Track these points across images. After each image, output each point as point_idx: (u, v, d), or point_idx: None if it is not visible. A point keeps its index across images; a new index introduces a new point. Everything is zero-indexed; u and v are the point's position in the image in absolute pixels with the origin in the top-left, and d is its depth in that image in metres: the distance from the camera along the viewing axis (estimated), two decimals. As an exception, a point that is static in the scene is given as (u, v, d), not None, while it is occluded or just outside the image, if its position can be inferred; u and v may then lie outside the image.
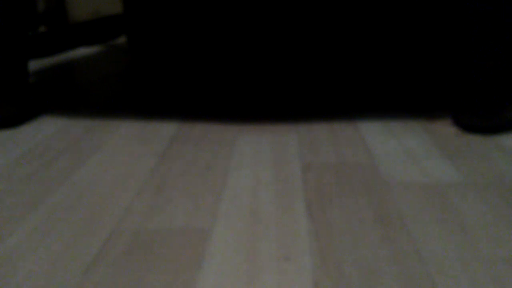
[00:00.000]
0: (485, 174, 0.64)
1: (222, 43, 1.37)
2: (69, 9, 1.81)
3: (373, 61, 1.32)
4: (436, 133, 0.80)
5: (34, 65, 1.46)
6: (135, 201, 0.57)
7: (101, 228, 0.52)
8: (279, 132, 0.82)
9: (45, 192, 0.60)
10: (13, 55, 0.86)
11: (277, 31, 1.28)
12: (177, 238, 0.50)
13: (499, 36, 0.74)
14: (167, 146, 0.75)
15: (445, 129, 0.82)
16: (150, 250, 0.48)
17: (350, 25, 1.24)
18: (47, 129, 0.84)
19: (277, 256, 0.47)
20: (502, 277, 0.44)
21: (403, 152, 0.72)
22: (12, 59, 0.86)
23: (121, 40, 2.02)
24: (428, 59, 1.25)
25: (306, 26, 1.26)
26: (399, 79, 1.21)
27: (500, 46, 0.74)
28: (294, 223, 0.52)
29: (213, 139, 0.79)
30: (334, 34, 1.27)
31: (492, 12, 0.74)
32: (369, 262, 0.46)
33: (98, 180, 0.63)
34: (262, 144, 0.75)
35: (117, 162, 0.69)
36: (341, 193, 0.59)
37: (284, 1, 1.23)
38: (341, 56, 1.31)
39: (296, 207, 0.55)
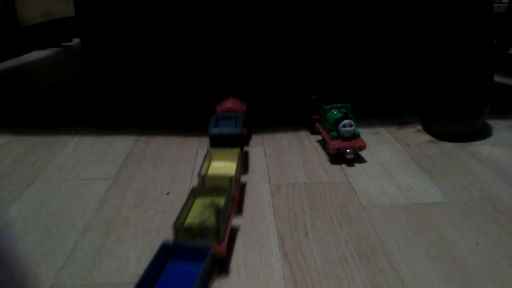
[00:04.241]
0: (468, 190, 0.58)
1: (178, 43, 1.29)
2: (19, 12, 1.69)
3: (339, 67, 1.27)
4: (408, 141, 0.75)
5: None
6: (79, 244, 0.49)
7: (39, 281, 0.43)
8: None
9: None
10: None
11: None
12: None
13: (475, 41, 0.69)
14: (120, 167, 0.67)
15: (417, 136, 0.77)
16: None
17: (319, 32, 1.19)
18: (-18, 151, 0.74)
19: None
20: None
21: (378, 166, 0.66)
22: None
23: (77, 42, 1.90)
24: (394, 65, 1.20)
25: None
26: (366, 86, 1.16)
27: (475, 51, 0.69)
28: (267, 266, 0.45)
29: (171, 156, 0.70)
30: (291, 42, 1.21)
31: (466, 18, 0.69)
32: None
33: (35, 217, 0.54)
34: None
35: (61, 191, 0.60)
36: (317, 222, 0.52)
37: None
38: (303, 63, 1.25)
39: (267, 244, 0.48)
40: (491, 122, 0.82)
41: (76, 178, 0.64)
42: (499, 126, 0.80)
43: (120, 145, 0.75)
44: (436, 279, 0.42)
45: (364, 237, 0.49)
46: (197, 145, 0.74)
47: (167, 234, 0.50)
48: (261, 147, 0.73)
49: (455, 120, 0.72)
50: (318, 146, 0.73)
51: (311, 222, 0.52)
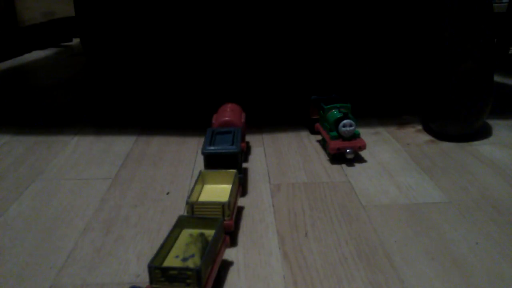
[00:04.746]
0: (468, 190, 0.58)
1: (178, 43, 1.29)
2: (19, 12, 1.69)
3: (338, 65, 1.27)
4: (408, 141, 0.75)
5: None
6: (79, 243, 0.49)
7: (36, 285, 0.43)
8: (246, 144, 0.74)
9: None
10: None
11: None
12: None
13: (475, 41, 0.69)
14: (120, 167, 0.67)
15: (417, 136, 0.77)
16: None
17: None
18: (-18, 151, 0.74)
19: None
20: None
21: (378, 166, 0.66)
22: None
23: (77, 42, 1.90)
24: (394, 65, 1.20)
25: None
26: (366, 86, 1.16)
27: (476, 50, 0.69)
28: (267, 266, 0.45)
29: (171, 156, 0.70)
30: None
31: (466, 18, 0.68)
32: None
33: (35, 217, 0.54)
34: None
35: (60, 191, 0.60)
36: (317, 222, 0.52)
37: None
38: (303, 64, 1.25)
39: (267, 244, 0.48)
40: (491, 122, 0.82)
41: (76, 178, 0.64)
42: (499, 126, 0.80)
43: (120, 145, 0.75)
44: (436, 279, 0.42)
45: (364, 237, 0.49)
46: (197, 145, 0.74)
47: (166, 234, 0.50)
48: (261, 147, 0.73)
49: (455, 120, 0.72)
50: (318, 146, 0.73)
51: (311, 222, 0.52)
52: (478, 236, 0.48)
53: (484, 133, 0.77)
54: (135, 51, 1.35)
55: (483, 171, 0.63)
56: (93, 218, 0.54)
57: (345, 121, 0.65)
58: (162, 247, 0.40)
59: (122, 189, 0.61)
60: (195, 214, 0.47)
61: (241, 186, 0.55)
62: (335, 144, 0.65)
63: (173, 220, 0.53)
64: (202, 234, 0.43)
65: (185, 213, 0.52)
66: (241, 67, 1.26)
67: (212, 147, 0.57)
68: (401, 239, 0.48)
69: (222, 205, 0.47)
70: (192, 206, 0.47)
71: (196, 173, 0.64)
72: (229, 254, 0.46)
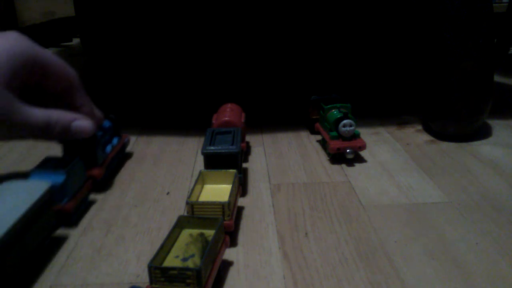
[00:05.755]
0: (468, 190, 0.58)
1: (178, 43, 1.29)
2: (19, 11, 1.69)
3: (338, 65, 1.27)
4: (408, 141, 0.75)
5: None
6: (79, 244, 0.49)
7: (37, 284, 0.43)
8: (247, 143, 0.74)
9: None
10: None
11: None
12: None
13: (475, 41, 0.69)
14: (120, 166, 0.67)
15: (417, 136, 0.77)
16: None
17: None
18: (-18, 151, 0.74)
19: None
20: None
21: (378, 166, 0.66)
22: None
23: (77, 42, 1.90)
24: (394, 65, 1.20)
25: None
26: (366, 86, 1.16)
27: (476, 50, 0.69)
28: (267, 266, 0.45)
29: (171, 156, 0.70)
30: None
31: (466, 18, 0.68)
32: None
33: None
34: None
35: (61, 191, 0.60)
36: (317, 222, 0.52)
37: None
38: (303, 62, 1.25)
39: (267, 244, 0.48)
40: (491, 122, 0.82)
41: (76, 178, 0.64)
42: (499, 126, 0.80)
43: (120, 145, 0.75)
44: (436, 279, 0.42)
45: (364, 237, 0.49)
46: (197, 145, 0.74)
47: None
48: (261, 147, 0.73)
49: (455, 120, 0.72)
50: (318, 146, 0.74)
51: (311, 222, 0.52)
52: (478, 236, 0.49)
53: (484, 133, 0.77)
54: (135, 51, 1.35)
55: (483, 171, 0.63)
56: (93, 218, 0.54)
57: (345, 121, 0.65)
58: (162, 247, 0.40)
59: (122, 189, 0.61)
60: (195, 214, 0.47)
61: (241, 186, 0.55)
62: (335, 144, 0.65)
63: (173, 220, 0.52)
64: (202, 234, 0.43)
65: (185, 213, 0.52)
66: (241, 67, 1.26)
67: (212, 147, 0.57)
68: (401, 239, 0.48)
69: (222, 205, 0.46)
70: (192, 206, 0.47)
71: (196, 173, 0.64)
72: (229, 254, 0.46)
